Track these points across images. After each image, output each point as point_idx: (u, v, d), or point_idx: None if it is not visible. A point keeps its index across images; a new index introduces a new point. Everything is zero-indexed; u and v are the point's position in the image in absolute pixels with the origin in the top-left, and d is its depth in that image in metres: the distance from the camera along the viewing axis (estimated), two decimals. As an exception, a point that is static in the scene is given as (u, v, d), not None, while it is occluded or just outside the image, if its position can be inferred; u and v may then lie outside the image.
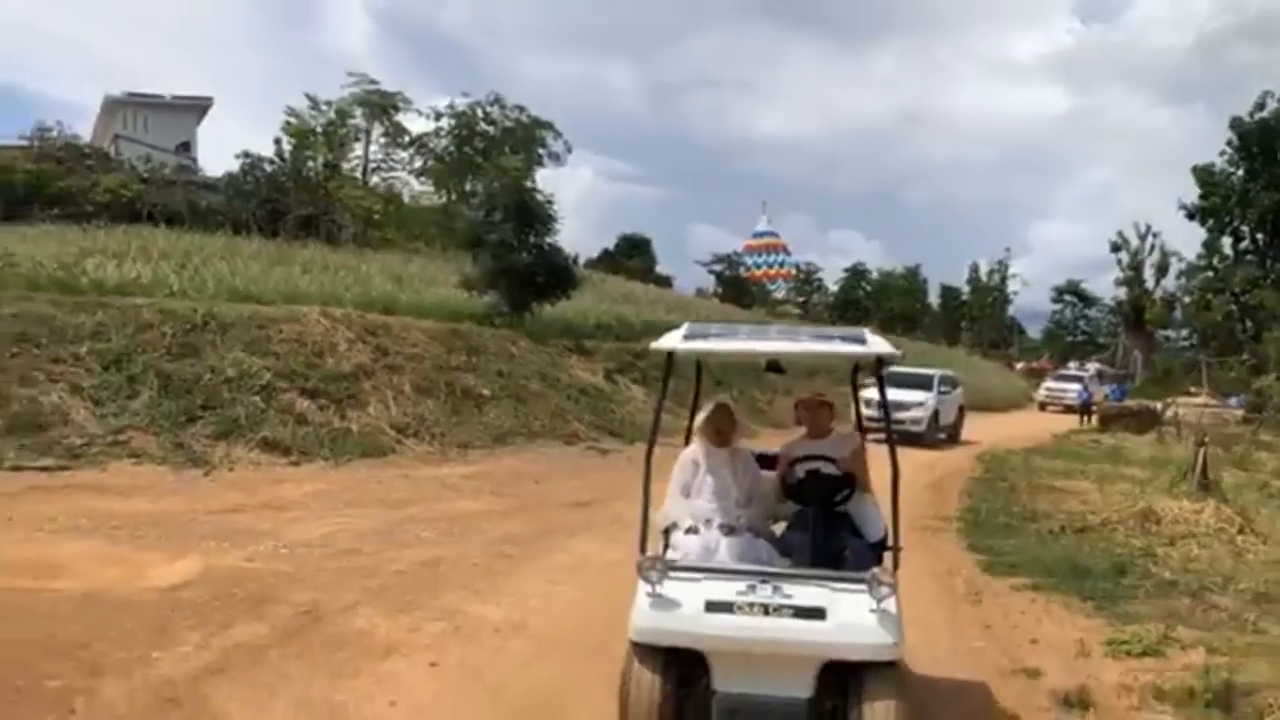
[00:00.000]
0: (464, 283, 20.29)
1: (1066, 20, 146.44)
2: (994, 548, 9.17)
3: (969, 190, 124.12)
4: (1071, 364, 42.63)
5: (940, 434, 21.15)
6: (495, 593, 6.78)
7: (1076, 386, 35.34)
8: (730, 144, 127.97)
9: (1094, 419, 27.77)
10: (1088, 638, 6.15)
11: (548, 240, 20.90)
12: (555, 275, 20.51)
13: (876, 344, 4.35)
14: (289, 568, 7.18)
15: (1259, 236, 34.87)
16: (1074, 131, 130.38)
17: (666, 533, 4.64)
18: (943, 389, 21.68)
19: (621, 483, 10.52)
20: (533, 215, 20.44)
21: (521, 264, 19.70)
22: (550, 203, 21.19)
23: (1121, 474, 15.19)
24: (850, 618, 3.88)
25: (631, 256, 54.49)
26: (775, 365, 5.37)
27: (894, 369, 14.70)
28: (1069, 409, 32.96)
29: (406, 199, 40.91)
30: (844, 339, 4.48)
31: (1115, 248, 49.30)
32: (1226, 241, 35.92)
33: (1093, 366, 39.24)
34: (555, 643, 5.69)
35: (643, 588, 4.04)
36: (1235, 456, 15.83)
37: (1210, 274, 36.26)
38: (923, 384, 20.90)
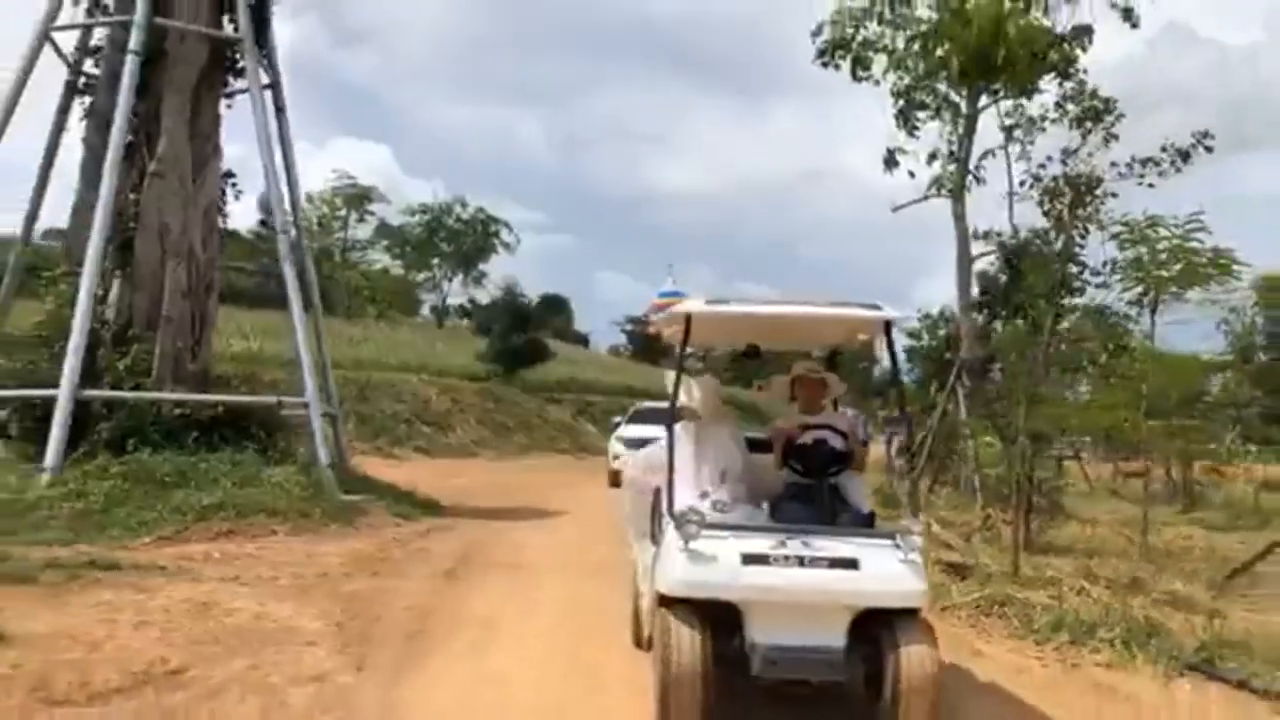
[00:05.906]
0: (478, 356, 33.48)
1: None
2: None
3: (864, 245, 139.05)
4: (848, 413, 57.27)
5: None
6: (583, 490, 19.76)
7: None
8: (638, 196, 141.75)
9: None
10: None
11: (531, 327, 34.46)
12: (536, 350, 33.92)
13: (888, 310, 5.01)
14: (503, 481, 20.16)
15: (1018, 323, 51.18)
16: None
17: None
18: None
19: (599, 469, 23.68)
20: (522, 313, 33.92)
21: (515, 345, 33.04)
22: (531, 305, 34.74)
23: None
24: (882, 568, 4.45)
25: (555, 314, 67.87)
26: (754, 351, 6.11)
27: (653, 405, 20.64)
28: None
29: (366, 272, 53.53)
30: (858, 305, 5.01)
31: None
32: (998, 324, 52.09)
33: (856, 415, 54.25)
34: (607, 499, 18.96)
35: (674, 543, 4.43)
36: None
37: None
38: None
